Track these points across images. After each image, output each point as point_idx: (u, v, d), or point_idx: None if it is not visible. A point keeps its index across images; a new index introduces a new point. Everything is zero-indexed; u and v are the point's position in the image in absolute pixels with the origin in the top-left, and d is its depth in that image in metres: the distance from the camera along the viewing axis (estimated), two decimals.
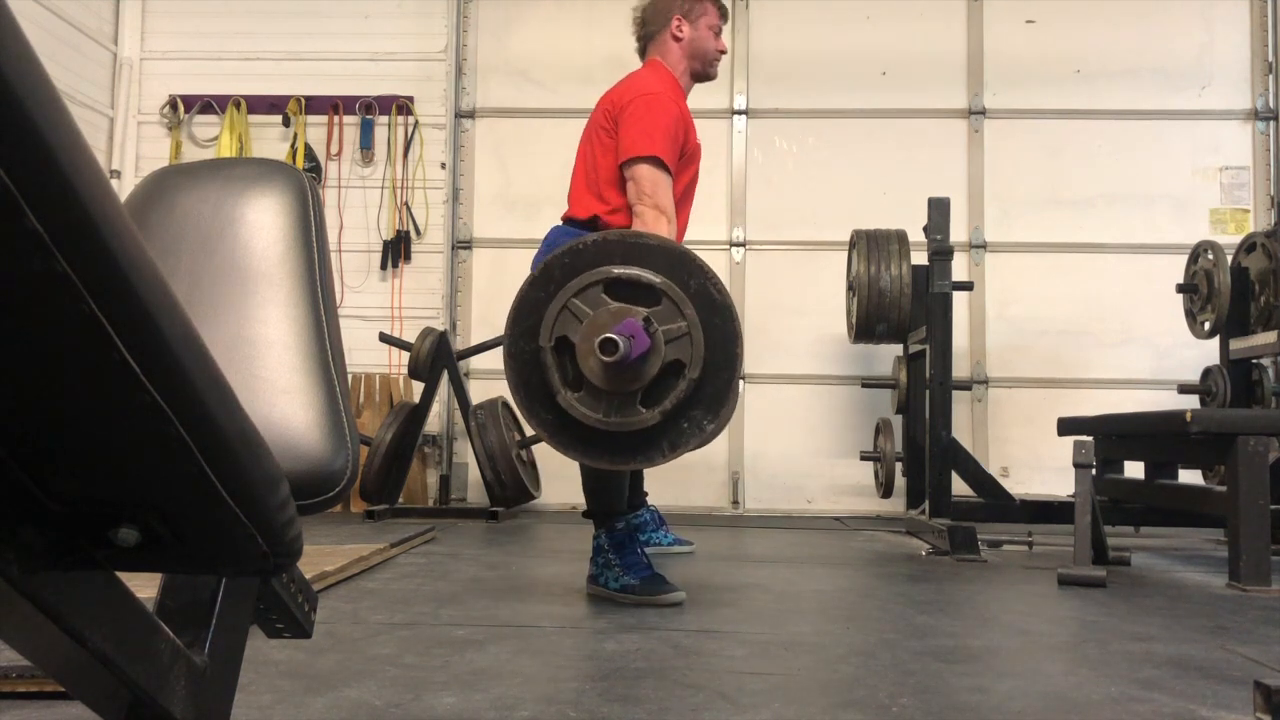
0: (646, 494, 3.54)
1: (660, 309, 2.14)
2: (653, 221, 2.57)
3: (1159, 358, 5.54)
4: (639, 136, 2.63)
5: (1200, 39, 5.71)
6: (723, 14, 2.97)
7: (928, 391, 4.21)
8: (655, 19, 2.93)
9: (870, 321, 4.64)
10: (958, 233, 5.27)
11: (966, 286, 4.69)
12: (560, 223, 2.85)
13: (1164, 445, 3.66)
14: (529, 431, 5.07)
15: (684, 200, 2.85)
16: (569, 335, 2.17)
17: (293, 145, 5.73)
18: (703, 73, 2.95)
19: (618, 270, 2.17)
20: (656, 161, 2.62)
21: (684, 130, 2.74)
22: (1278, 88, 5.65)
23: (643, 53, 2.98)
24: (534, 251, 2.87)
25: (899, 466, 4.82)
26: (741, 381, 5.83)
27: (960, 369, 5.27)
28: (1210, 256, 4.51)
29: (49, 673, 0.64)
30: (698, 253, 2.26)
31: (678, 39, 2.89)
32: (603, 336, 2.02)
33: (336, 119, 5.74)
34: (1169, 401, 5.13)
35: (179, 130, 5.79)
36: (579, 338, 2.15)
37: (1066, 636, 2.30)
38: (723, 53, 2.96)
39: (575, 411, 2.18)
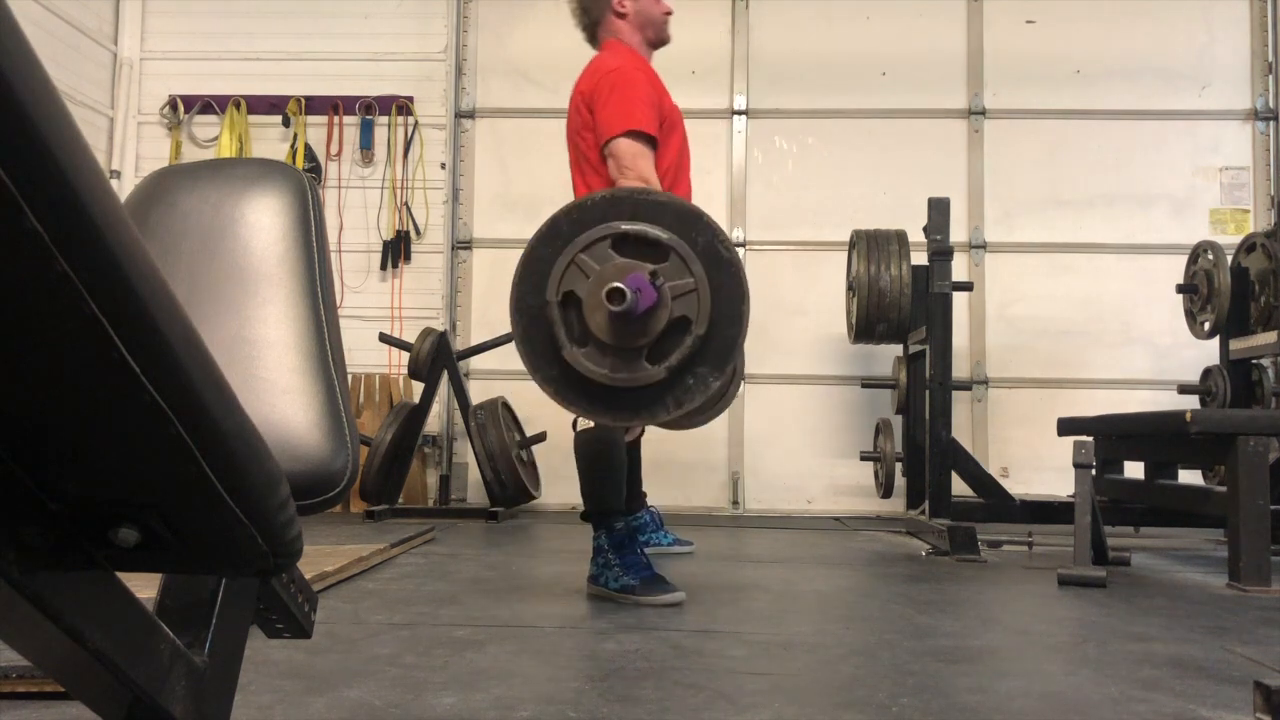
0: (646, 494, 3.54)
1: (667, 265, 2.13)
2: None
3: (1159, 358, 5.54)
4: (612, 116, 2.61)
5: (1200, 39, 5.71)
6: None
7: (928, 391, 4.21)
8: (595, 3, 2.89)
9: (870, 321, 4.64)
10: (958, 233, 5.27)
11: (966, 286, 4.69)
12: None
13: (1164, 445, 3.66)
14: (529, 431, 5.08)
15: (679, 169, 2.82)
16: (575, 290, 2.16)
17: (293, 145, 5.73)
18: (657, 39, 2.90)
19: (625, 226, 2.15)
20: (634, 135, 2.59)
21: (657, 96, 2.71)
22: (1278, 88, 5.65)
23: (593, 39, 2.94)
24: None
25: (899, 466, 4.81)
26: (742, 382, 5.85)
27: (960, 369, 5.27)
28: (1210, 257, 4.51)
29: (49, 673, 0.64)
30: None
31: (621, 14, 2.84)
32: (610, 285, 2.01)
33: (336, 119, 5.74)
34: (1169, 401, 5.13)
35: (179, 130, 5.79)
36: (585, 292, 2.14)
37: (1066, 636, 2.30)
38: (669, 13, 2.91)
39: (581, 366, 2.16)
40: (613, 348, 2.14)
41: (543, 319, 2.19)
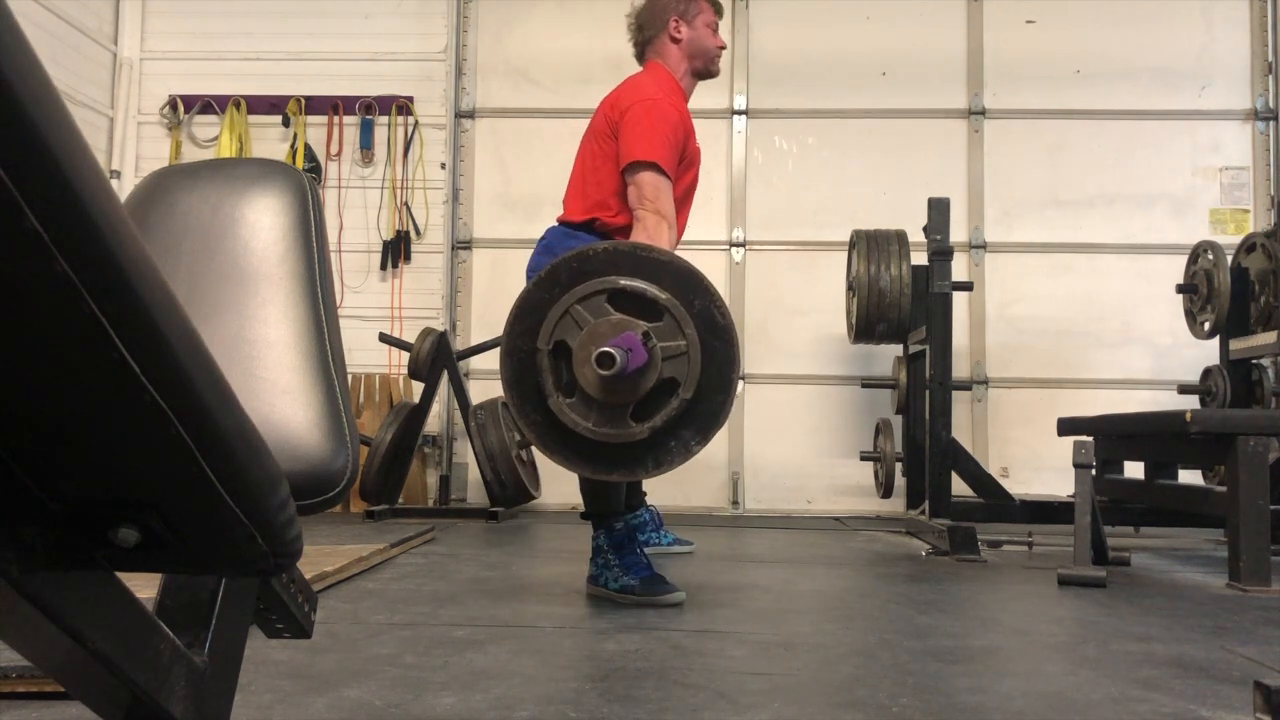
0: (645, 494, 3.54)
1: (661, 325, 2.14)
2: (654, 226, 2.56)
3: (1159, 358, 5.54)
4: (639, 141, 2.62)
5: (1200, 39, 5.71)
6: (718, 10, 2.95)
7: (928, 391, 4.21)
8: (651, 23, 2.90)
9: (870, 321, 4.64)
10: (958, 233, 5.27)
11: (966, 286, 4.69)
12: (556, 224, 2.84)
13: (1164, 445, 3.66)
14: None
15: (683, 204, 2.84)
16: (568, 340, 2.17)
17: (293, 145, 5.73)
18: (704, 70, 2.93)
19: (624, 281, 2.16)
20: (657, 167, 2.61)
21: (684, 135, 2.73)
22: (1278, 88, 5.65)
23: (640, 57, 2.96)
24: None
25: (899, 466, 4.82)
26: (741, 381, 5.85)
27: (960, 369, 5.27)
28: (1210, 257, 4.51)
29: (49, 673, 0.64)
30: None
31: (676, 40, 2.87)
32: (601, 350, 2.02)
33: (336, 119, 5.74)
34: (1169, 401, 5.13)
35: (179, 130, 5.79)
36: (577, 344, 2.15)
37: (1066, 636, 2.30)
38: (722, 48, 2.94)
39: (565, 416, 2.18)
40: (599, 402, 2.16)
41: (532, 365, 2.20)
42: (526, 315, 2.22)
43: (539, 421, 2.23)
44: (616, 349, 2.03)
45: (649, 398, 2.16)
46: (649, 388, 2.14)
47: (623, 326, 2.12)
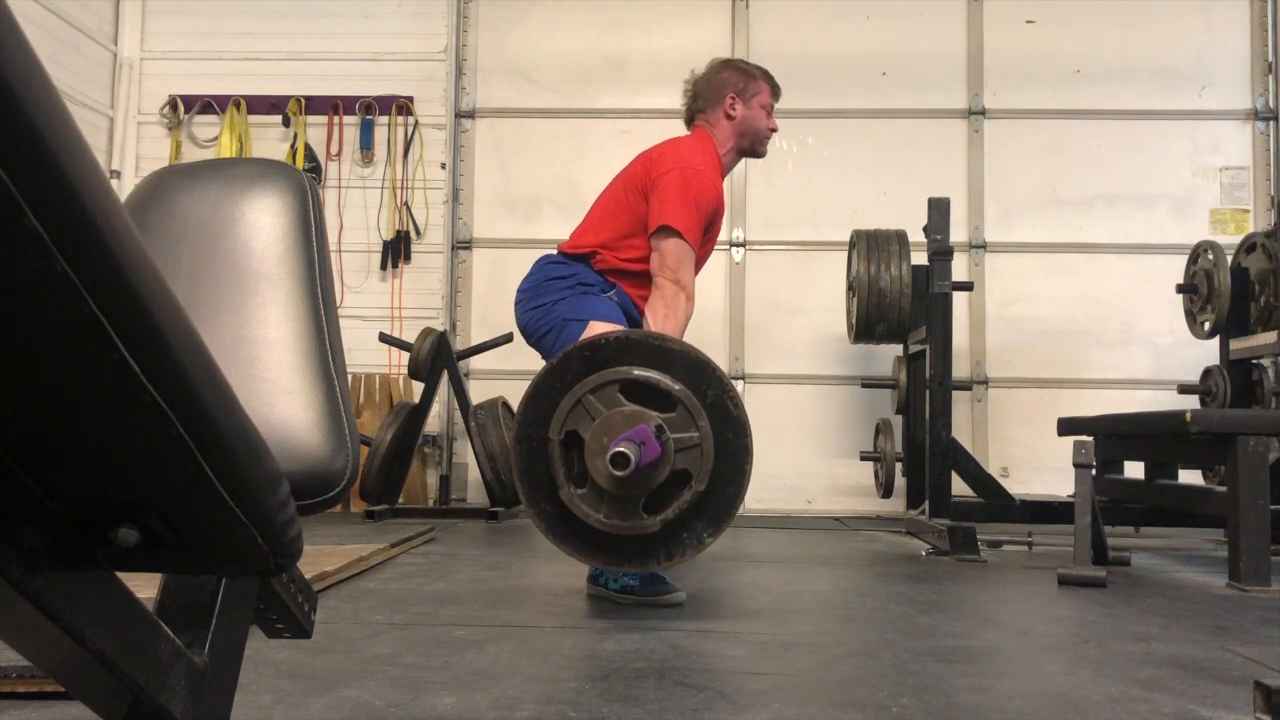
0: None
1: (674, 416, 2.13)
2: (671, 296, 2.57)
3: (1159, 358, 5.54)
4: (671, 208, 2.62)
5: (1200, 39, 5.71)
6: (775, 92, 2.94)
7: (928, 391, 4.21)
8: (708, 95, 2.89)
9: (870, 321, 4.64)
10: (958, 233, 5.27)
11: (966, 286, 4.69)
12: (555, 251, 2.83)
13: (1164, 445, 3.66)
14: None
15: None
16: (579, 430, 2.15)
17: (293, 145, 5.73)
18: (751, 150, 2.93)
19: (637, 372, 2.15)
20: (684, 237, 2.62)
21: (715, 210, 2.75)
22: (1278, 88, 5.65)
23: (689, 123, 2.95)
24: (534, 252, 2.87)
25: (899, 466, 4.81)
26: (741, 382, 5.84)
27: (960, 369, 5.27)
28: (1210, 256, 4.51)
29: (49, 673, 0.64)
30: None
31: (730, 117, 2.86)
32: (614, 450, 2.00)
33: (336, 119, 5.75)
34: (1169, 401, 5.12)
35: (179, 130, 5.79)
36: (589, 435, 2.13)
37: (1066, 636, 2.30)
38: (774, 131, 2.94)
39: (576, 508, 2.16)
40: (610, 493, 2.14)
41: (543, 454, 2.18)
42: (537, 403, 2.19)
43: (549, 512, 2.21)
44: (630, 445, 2.02)
45: (661, 489, 2.14)
46: (661, 480, 2.12)
47: (635, 418, 2.10)
